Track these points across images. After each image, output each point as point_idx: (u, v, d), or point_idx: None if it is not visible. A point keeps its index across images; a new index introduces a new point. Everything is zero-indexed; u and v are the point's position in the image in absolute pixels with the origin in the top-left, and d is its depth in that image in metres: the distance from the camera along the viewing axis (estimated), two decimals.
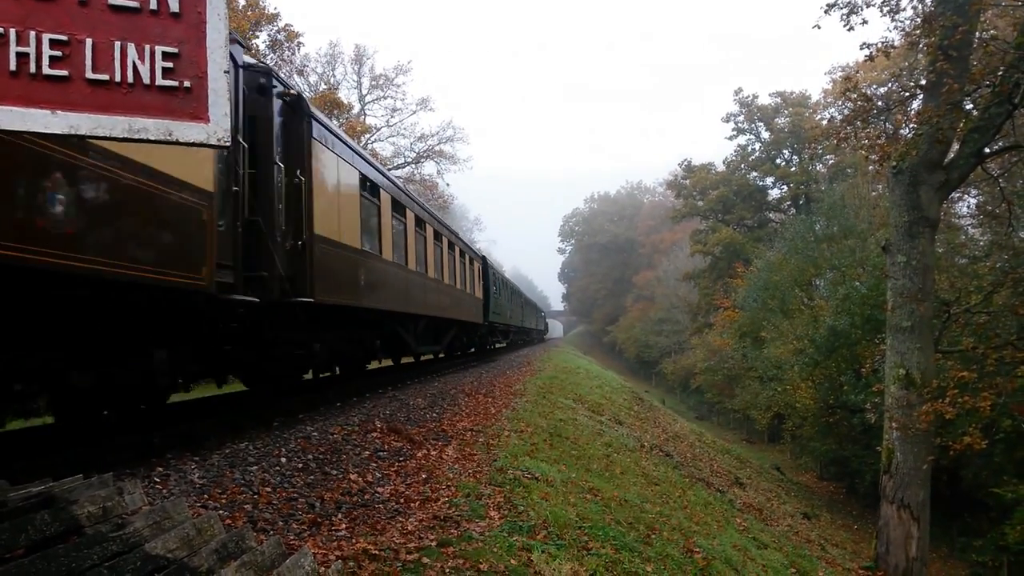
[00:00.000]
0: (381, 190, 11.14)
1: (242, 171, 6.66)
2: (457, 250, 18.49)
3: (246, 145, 6.80)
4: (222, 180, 6.11)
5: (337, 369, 11.81)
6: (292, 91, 7.91)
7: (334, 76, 36.14)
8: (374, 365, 15.46)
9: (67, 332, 5.04)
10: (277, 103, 7.53)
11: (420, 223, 14.07)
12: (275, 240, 7.19)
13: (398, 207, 12.27)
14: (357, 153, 10.17)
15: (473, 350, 25.28)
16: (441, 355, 19.91)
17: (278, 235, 7.27)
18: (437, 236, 15.82)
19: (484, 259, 24.52)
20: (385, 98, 37.26)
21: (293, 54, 27.55)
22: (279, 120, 7.54)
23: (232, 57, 6.37)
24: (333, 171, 8.83)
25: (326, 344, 9.71)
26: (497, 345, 32.77)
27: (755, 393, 30.99)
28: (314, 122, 8.11)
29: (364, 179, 10.19)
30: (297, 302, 7.60)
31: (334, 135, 9.02)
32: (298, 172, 7.72)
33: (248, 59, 7.36)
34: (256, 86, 7.30)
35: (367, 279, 10.04)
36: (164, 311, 5.85)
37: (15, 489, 3.31)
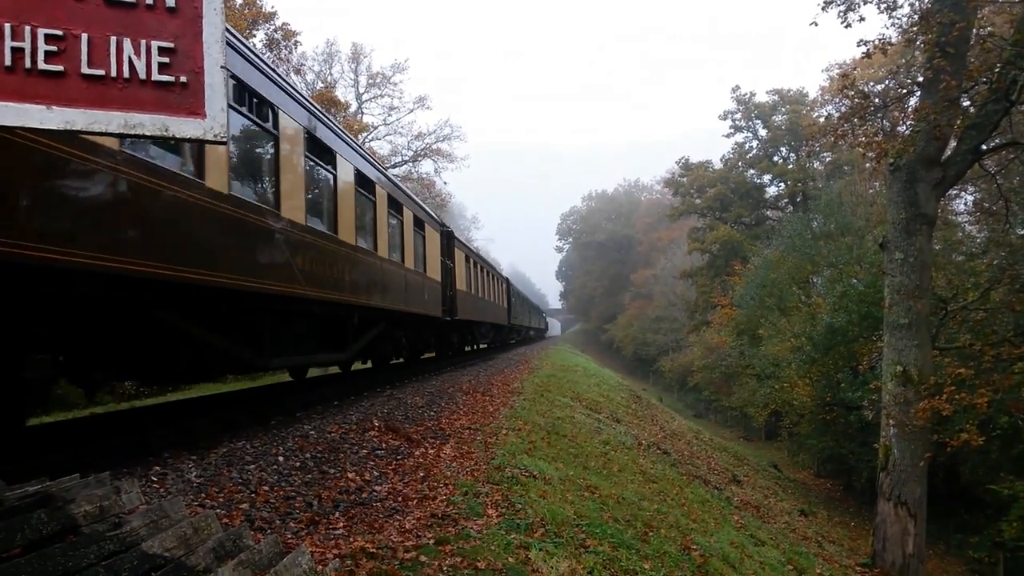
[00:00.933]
0: (471, 258, 21.62)
1: (444, 269, 16.97)
2: (497, 278, 29.05)
3: (444, 258, 16.57)
4: (441, 273, 16.13)
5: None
6: (448, 228, 18.55)
7: (331, 74, 36.01)
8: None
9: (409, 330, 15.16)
10: (445, 233, 17.67)
11: (483, 269, 24.33)
12: (446, 292, 16.71)
13: (476, 264, 22.55)
14: (465, 244, 21.32)
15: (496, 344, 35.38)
16: (486, 345, 30.29)
17: (447, 290, 16.86)
18: (489, 273, 26.09)
19: (507, 280, 34.65)
20: (382, 96, 37.06)
21: (290, 52, 27.41)
22: (444, 242, 17.31)
23: (439, 224, 16.92)
24: (459, 258, 19.45)
25: (457, 336, 21.51)
26: (510, 341, 41.45)
27: (752, 391, 30.97)
28: (455, 239, 18.88)
29: (467, 256, 20.73)
30: (453, 319, 17.66)
31: (460, 241, 19.93)
32: (449, 261, 17.72)
33: (438, 220, 17.46)
34: (440, 231, 16.74)
35: (468, 304, 20.21)
36: (431, 325, 16.37)
37: (12, 488, 3.29)
